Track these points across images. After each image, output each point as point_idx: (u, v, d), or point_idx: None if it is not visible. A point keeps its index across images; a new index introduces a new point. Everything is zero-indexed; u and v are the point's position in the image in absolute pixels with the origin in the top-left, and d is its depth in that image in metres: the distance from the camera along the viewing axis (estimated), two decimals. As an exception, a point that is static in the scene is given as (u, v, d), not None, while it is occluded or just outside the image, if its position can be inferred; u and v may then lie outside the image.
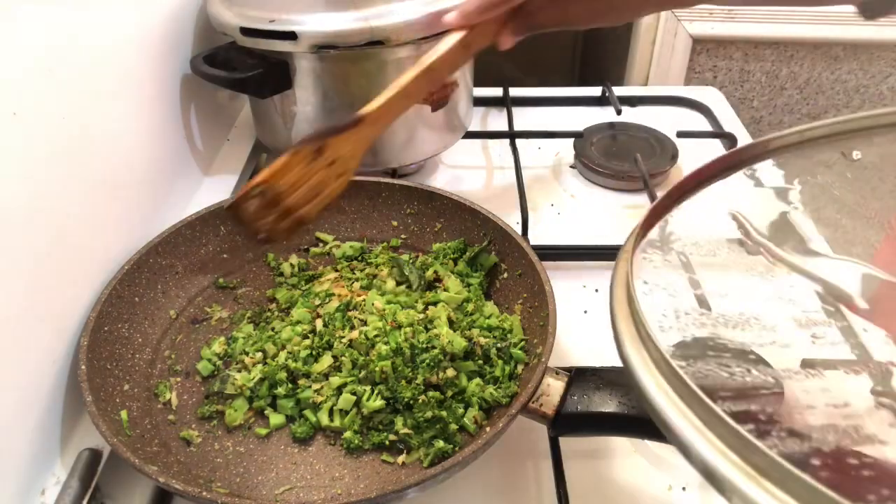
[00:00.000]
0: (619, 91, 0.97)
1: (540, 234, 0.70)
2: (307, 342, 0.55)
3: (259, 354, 0.55)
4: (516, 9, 0.51)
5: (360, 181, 0.68)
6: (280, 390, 0.52)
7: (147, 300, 0.59)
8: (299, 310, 0.58)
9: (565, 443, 0.50)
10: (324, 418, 0.51)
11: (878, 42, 1.28)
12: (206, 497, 0.41)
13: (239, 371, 0.54)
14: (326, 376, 0.53)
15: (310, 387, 0.52)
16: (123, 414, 0.49)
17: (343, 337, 0.55)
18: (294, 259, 0.66)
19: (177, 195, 0.74)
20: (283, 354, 0.54)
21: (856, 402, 0.38)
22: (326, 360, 0.53)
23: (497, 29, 0.53)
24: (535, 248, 0.58)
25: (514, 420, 0.45)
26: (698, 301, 0.43)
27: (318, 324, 0.56)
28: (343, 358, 0.53)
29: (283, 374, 0.53)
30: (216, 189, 0.78)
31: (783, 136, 0.41)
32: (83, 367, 0.49)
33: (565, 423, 0.46)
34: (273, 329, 0.58)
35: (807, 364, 0.40)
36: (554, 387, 0.46)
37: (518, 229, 0.64)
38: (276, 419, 0.52)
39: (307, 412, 0.52)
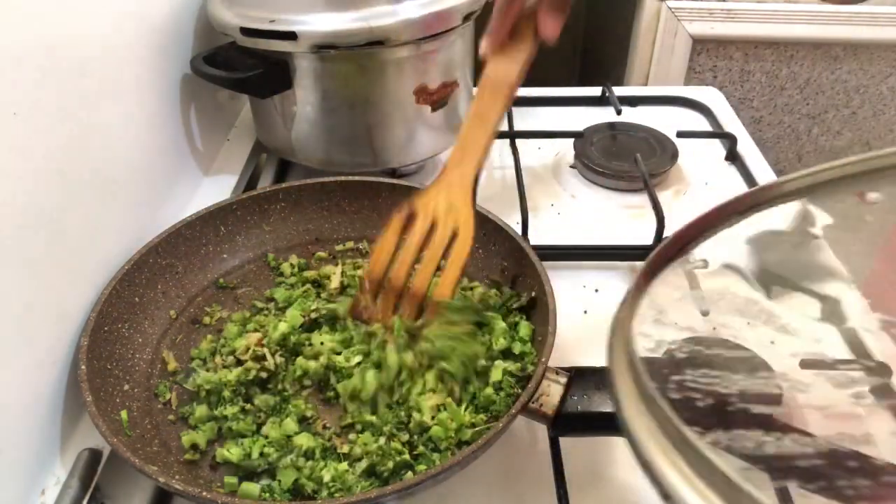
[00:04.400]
0: (619, 91, 0.97)
1: (540, 234, 0.70)
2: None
3: (231, 358, 0.55)
4: None
5: (360, 181, 0.68)
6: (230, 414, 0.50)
7: (147, 300, 0.59)
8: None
9: (565, 443, 0.50)
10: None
11: (878, 42, 1.28)
12: (206, 497, 0.41)
13: (207, 370, 0.54)
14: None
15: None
16: (123, 414, 0.49)
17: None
18: (294, 259, 0.66)
19: (177, 195, 0.74)
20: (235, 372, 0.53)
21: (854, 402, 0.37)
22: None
23: (532, 24, 0.49)
24: (535, 248, 0.58)
25: (514, 420, 0.45)
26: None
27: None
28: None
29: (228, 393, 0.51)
30: (216, 189, 0.78)
31: (794, 179, 0.39)
32: (83, 367, 0.49)
33: (565, 423, 0.46)
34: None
35: (806, 364, 0.40)
36: (554, 387, 0.46)
37: (518, 229, 0.64)
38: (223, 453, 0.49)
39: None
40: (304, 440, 0.49)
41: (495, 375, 0.51)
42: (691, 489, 0.25)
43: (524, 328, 0.55)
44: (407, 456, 0.47)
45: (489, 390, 0.50)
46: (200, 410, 0.52)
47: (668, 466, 0.26)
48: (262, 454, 0.48)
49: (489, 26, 0.49)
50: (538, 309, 0.55)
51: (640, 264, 0.70)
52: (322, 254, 0.68)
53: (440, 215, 0.49)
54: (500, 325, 0.55)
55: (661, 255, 0.35)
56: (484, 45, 0.50)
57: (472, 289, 0.62)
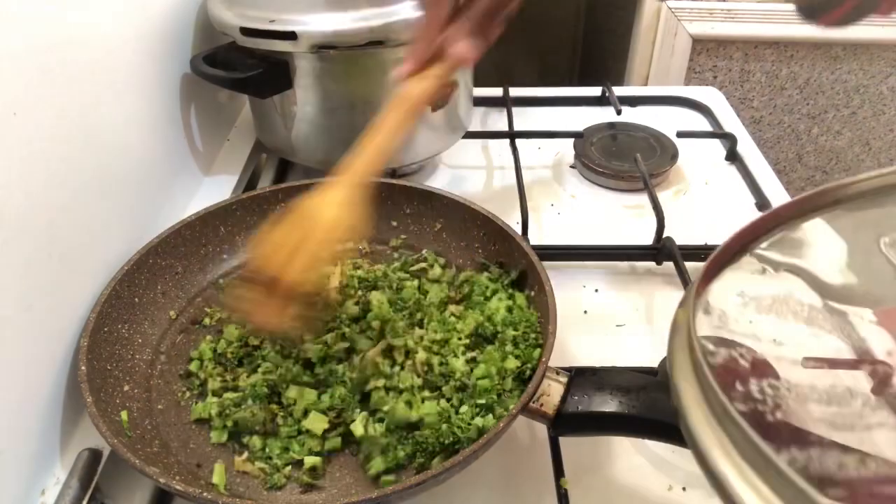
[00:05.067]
0: (619, 91, 0.97)
1: (540, 234, 0.70)
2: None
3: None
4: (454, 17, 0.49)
5: (360, 181, 0.68)
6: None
7: (147, 301, 0.59)
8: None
9: (565, 443, 0.50)
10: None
11: (878, 42, 1.28)
12: (207, 497, 0.41)
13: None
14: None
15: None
16: (124, 414, 0.49)
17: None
18: (294, 259, 0.66)
19: (177, 195, 0.74)
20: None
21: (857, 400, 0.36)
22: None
23: (456, 46, 0.49)
24: (535, 248, 0.58)
25: (514, 420, 0.45)
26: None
27: None
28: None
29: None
30: (216, 189, 0.78)
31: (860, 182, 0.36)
32: (83, 367, 0.49)
33: (565, 423, 0.46)
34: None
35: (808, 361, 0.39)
36: (554, 387, 0.46)
37: (518, 229, 0.64)
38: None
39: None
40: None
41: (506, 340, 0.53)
42: None
43: (519, 298, 0.57)
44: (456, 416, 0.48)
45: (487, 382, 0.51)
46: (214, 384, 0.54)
47: (745, 487, 0.25)
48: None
49: (410, 51, 0.50)
50: (538, 309, 0.55)
51: (640, 264, 0.70)
52: (322, 254, 0.68)
53: (306, 213, 0.49)
54: (493, 303, 0.57)
55: (720, 257, 0.34)
56: (400, 70, 0.51)
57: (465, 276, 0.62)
